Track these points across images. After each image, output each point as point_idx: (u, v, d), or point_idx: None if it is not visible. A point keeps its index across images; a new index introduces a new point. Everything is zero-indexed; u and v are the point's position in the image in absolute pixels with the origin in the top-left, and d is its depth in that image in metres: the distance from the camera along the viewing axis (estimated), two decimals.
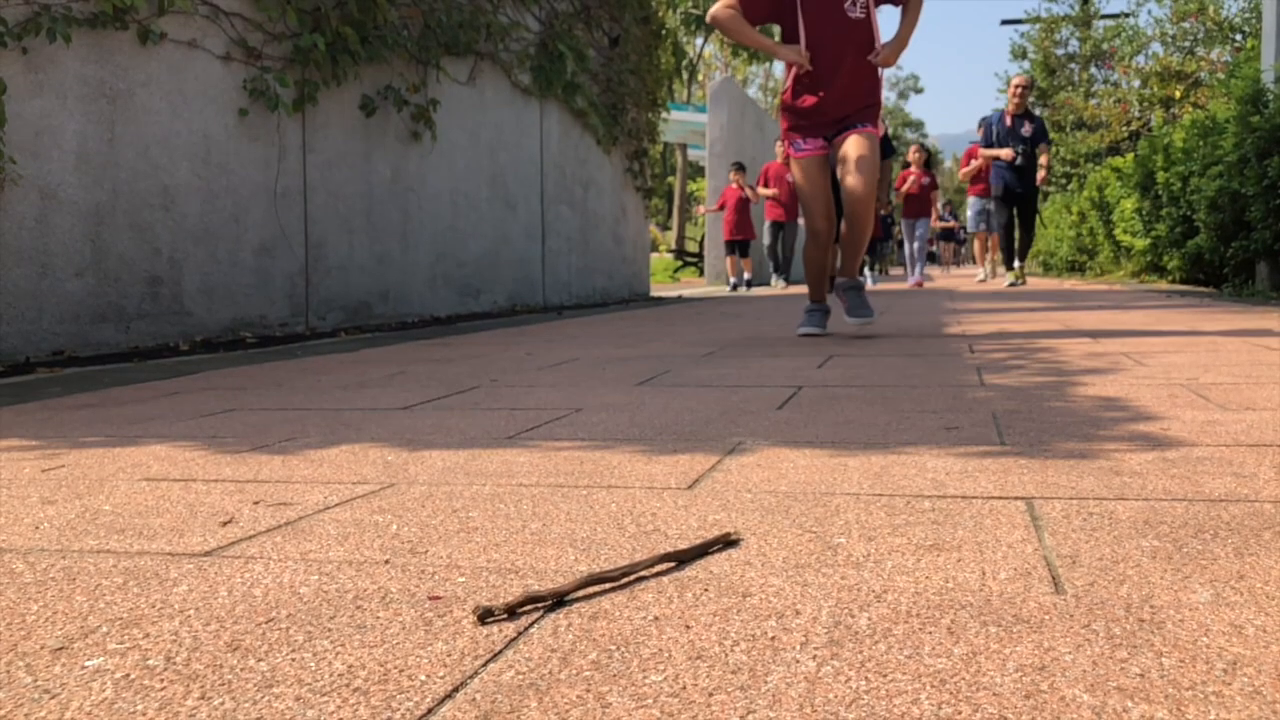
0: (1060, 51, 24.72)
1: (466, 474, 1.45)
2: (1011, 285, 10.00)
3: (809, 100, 3.75)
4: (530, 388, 2.48)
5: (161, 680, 0.74)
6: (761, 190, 11.83)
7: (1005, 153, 9.87)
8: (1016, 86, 10.05)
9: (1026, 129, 9.94)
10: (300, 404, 2.28)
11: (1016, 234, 10.14)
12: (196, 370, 3.14)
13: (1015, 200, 9.99)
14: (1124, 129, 20.26)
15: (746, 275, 12.49)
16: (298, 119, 5.00)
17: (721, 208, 12.76)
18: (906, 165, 12.89)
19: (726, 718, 0.66)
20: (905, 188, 12.41)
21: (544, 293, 7.84)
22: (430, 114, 6.04)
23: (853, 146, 3.69)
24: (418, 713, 0.68)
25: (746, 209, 12.45)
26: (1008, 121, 10.01)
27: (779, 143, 11.80)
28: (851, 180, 3.67)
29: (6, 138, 3.52)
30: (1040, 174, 9.95)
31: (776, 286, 12.33)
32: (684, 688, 0.71)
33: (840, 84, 3.71)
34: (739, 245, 12.42)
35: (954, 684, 0.70)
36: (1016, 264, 10.14)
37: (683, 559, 0.99)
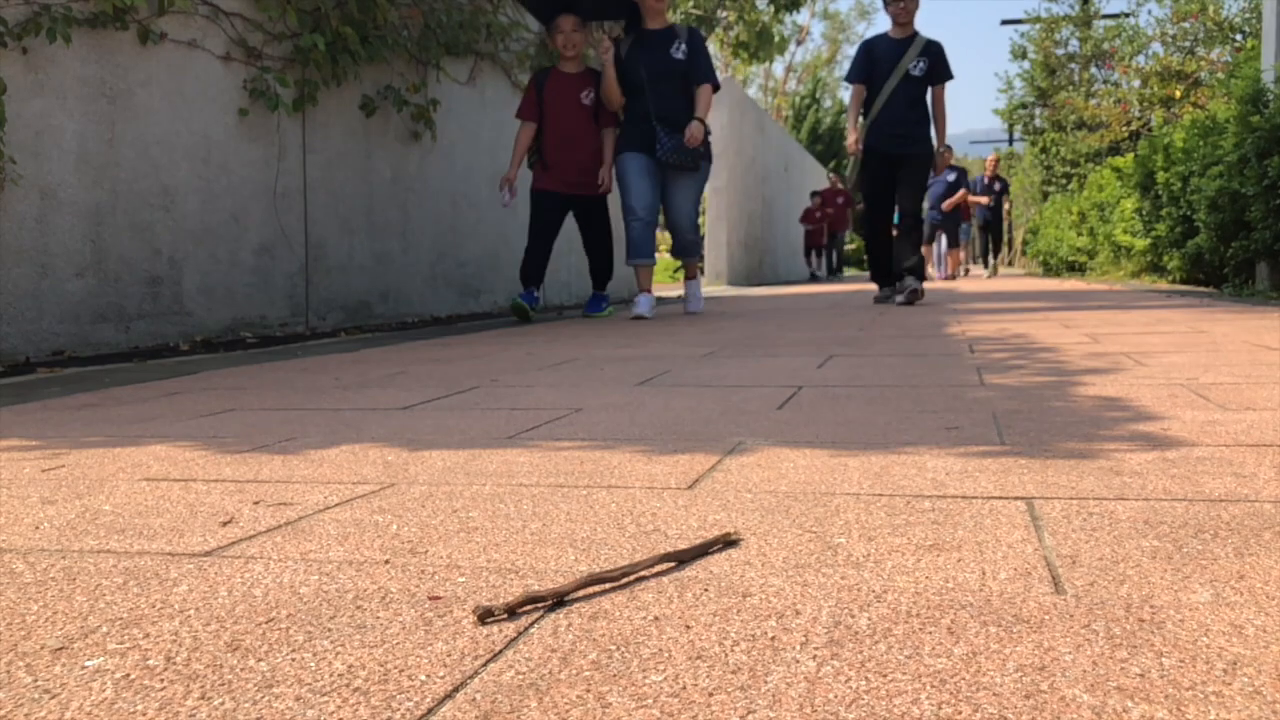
0: (1060, 51, 24.70)
1: (466, 474, 1.45)
2: (989, 276, 16.01)
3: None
4: (530, 388, 2.48)
5: (161, 680, 0.74)
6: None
7: (984, 200, 16.36)
8: (991, 162, 17.08)
9: (997, 185, 16.56)
10: (300, 404, 2.28)
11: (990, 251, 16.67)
12: (196, 370, 3.14)
13: (989, 228, 16.72)
14: (1124, 129, 20.26)
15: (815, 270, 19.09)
16: (298, 119, 5.00)
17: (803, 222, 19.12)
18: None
19: (726, 718, 0.66)
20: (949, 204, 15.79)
21: (544, 293, 7.83)
22: (430, 114, 6.04)
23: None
24: (418, 713, 0.68)
25: (823, 221, 19.06)
26: (985, 180, 16.52)
27: (829, 173, 20.92)
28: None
29: (6, 138, 3.52)
30: (1005, 216, 17.10)
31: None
32: (684, 688, 0.71)
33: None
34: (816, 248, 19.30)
35: (954, 684, 0.70)
36: (991, 261, 16.85)
37: (683, 559, 0.99)
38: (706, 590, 0.91)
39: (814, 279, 18.91)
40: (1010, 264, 26.37)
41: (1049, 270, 18.61)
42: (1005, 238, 19.01)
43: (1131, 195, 11.31)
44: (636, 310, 5.59)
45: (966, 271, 17.96)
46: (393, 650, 0.79)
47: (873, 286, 12.05)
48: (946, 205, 15.57)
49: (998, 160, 17.40)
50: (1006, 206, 17.38)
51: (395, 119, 5.80)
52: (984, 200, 16.49)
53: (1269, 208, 6.97)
